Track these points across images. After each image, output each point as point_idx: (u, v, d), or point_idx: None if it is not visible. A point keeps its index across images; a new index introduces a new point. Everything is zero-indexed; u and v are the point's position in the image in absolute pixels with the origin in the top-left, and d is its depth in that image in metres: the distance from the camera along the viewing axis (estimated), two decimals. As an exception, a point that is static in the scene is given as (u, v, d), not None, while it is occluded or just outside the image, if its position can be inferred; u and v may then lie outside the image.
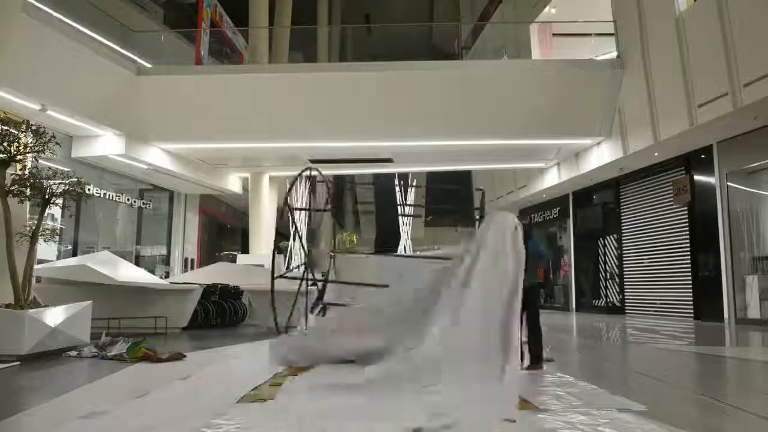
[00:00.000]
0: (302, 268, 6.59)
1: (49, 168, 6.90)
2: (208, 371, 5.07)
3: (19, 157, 6.35)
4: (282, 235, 12.66)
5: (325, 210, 7.50)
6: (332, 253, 6.84)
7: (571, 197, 17.51)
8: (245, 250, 16.58)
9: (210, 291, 9.64)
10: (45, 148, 6.47)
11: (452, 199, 18.01)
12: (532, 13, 16.27)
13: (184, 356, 5.68)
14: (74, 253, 12.14)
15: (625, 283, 14.83)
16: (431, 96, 12.43)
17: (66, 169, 8.86)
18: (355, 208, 23.18)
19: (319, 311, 6.17)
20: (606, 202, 15.77)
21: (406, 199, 14.45)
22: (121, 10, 15.26)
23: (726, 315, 10.80)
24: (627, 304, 14.70)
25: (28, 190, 6.38)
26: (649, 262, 13.87)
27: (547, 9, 15.66)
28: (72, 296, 7.09)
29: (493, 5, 19.62)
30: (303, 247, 7.96)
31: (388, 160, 15.24)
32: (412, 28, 27.44)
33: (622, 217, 15.01)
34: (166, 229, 16.82)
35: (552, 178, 16.24)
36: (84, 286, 8.17)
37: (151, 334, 7.98)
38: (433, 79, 12.59)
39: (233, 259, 16.24)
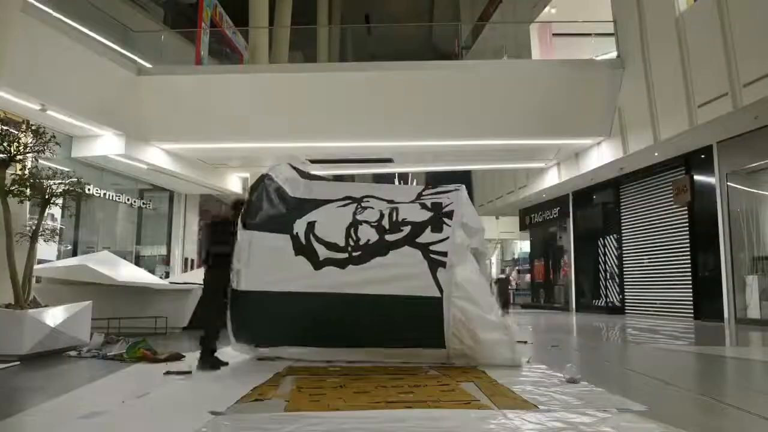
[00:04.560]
0: None
1: (49, 168, 6.91)
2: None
3: (19, 157, 6.36)
4: None
5: None
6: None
7: (571, 197, 17.51)
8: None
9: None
10: (45, 148, 6.48)
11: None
12: (532, 13, 16.26)
13: (183, 356, 5.68)
14: (74, 253, 12.12)
15: (625, 283, 14.83)
16: (431, 96, 12.41)
17: (66, 169, 8.86)
18: None
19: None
20: (606, 202, 15.76)
21: None
22: (122, 10, 15.27)
23: (726, 315, 10.80)
24: (627, 304, 14.70)
25: (28, 190, 6.38)
26: (649, 262, 13.87)
27: (547, 9, 15.65)
28: (72, 296, 7.09)
29: (493, 5, 19.61)
30: None
31: (389, 160, 15.23)
32: (412, 28, 27.44)
33: (622, 217, 15.01)
34: (166, 229, 16.81)
35: (552, 178, 16.23)
36: (84, 286, 8.17)
37: (151, 334, 7.98)
38: (433, 79, 12.58)
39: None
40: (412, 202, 5.75)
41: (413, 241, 5.25)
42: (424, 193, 5.90)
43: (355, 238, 5.28)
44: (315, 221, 5.44)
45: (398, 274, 5.14)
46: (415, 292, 5.08)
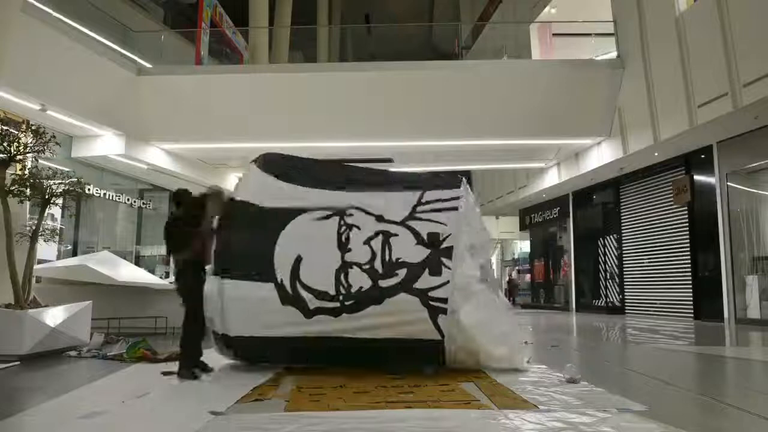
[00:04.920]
0: None
1: (49, 168, 6.91)
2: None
3: (19, 157, 6.36)
4: None
5: None
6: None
7: (571, 197, 17.51)
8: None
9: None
10: (45, 148, 6.49)
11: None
12: (532, 13, 16.27)
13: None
14: (74, 253, 12.12)
15: (625, 283, 14.82)
16: (431, 96, 12.42)
17: (66, 169, 8.87)
18: None
19: None
20: (606, 202, 15.77)
21: None
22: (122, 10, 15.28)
23: (726, 315, 10.80)
24: (627, 304, 14.70)
25: (28, 190, 6.39)
26: (649, 262, 13.87)
27: (547, 9, 15.65)
28: (72, 296, 7.09)
29: (493, 5, 19.62)
30: None
31: (389, 160, 15.20)
32: (412, 28, 27.46)
33: (622, 217, 15.01)
34: (166, 229, 16.80)
35: (552, 178, 16.23)
36: (84, 286, 8.17)
37: (151, 334, 7.98)
38: (433, 79, 12.58)
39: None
40: (405, 224, 5.12)
41: (410, 287, 4.85)
42: (418, 210, 5.21)
43: (346, 284, 4.87)
44: (299, 265, 4.93)
45: (396, 321, 4.84)
46: (414, 336, 4.86)
